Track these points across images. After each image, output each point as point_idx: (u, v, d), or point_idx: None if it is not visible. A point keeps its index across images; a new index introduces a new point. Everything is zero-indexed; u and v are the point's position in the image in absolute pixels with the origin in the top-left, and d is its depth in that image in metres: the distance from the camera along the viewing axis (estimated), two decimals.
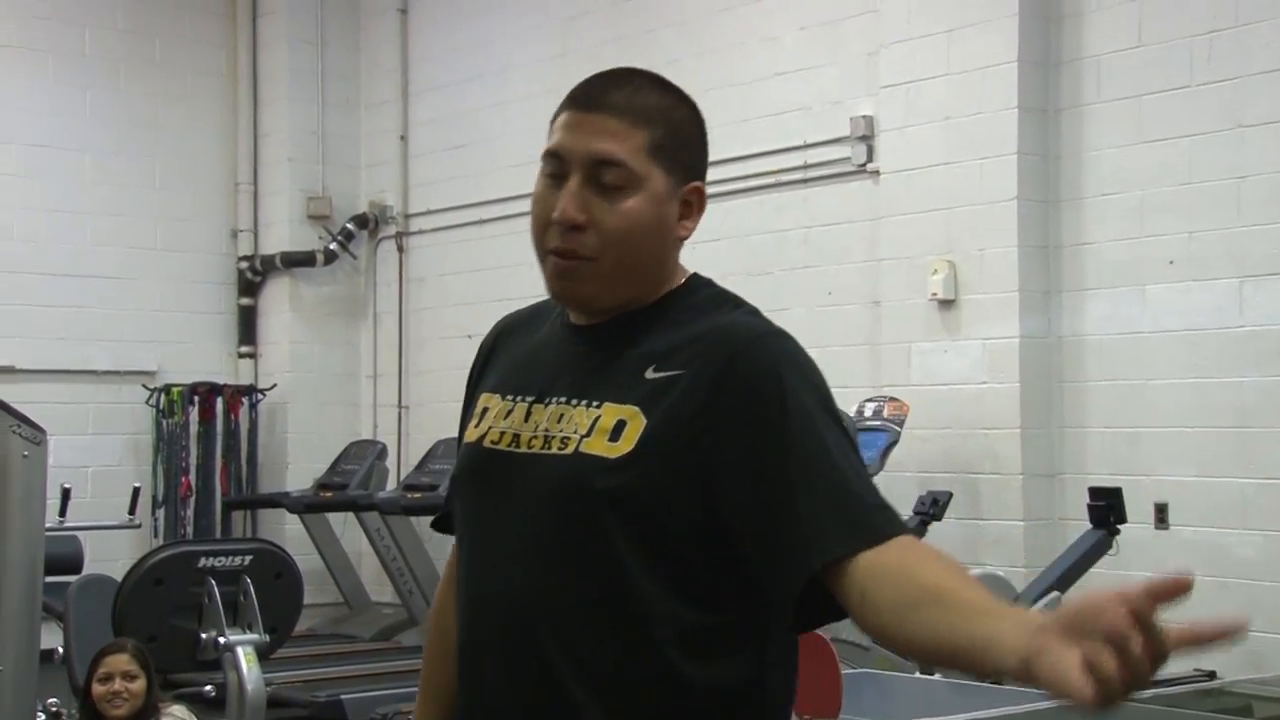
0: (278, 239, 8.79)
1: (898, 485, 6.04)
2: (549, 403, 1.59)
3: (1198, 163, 5.55)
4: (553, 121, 1.61)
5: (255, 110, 8.88)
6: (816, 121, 6.72)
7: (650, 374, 1.53)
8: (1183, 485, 5.56)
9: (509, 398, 1.63)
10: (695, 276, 1.65)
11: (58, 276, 8.16)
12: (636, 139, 1.55)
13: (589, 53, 7.77)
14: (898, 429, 5.88)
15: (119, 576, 4.89)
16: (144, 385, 8.38)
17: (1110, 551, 5.12)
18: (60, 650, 5.09)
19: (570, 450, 1.53)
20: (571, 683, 1.51)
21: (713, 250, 7.17)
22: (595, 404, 1.54)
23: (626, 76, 1.63)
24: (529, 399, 1.61)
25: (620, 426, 1.51)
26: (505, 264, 8.17)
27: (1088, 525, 5.15)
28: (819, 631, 4.11)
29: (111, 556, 7.04)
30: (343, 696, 6.18)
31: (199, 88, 8.78)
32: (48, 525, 5.12)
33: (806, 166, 6.78)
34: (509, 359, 1.70)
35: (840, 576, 1.41)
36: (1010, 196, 5.89)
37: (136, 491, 7.37)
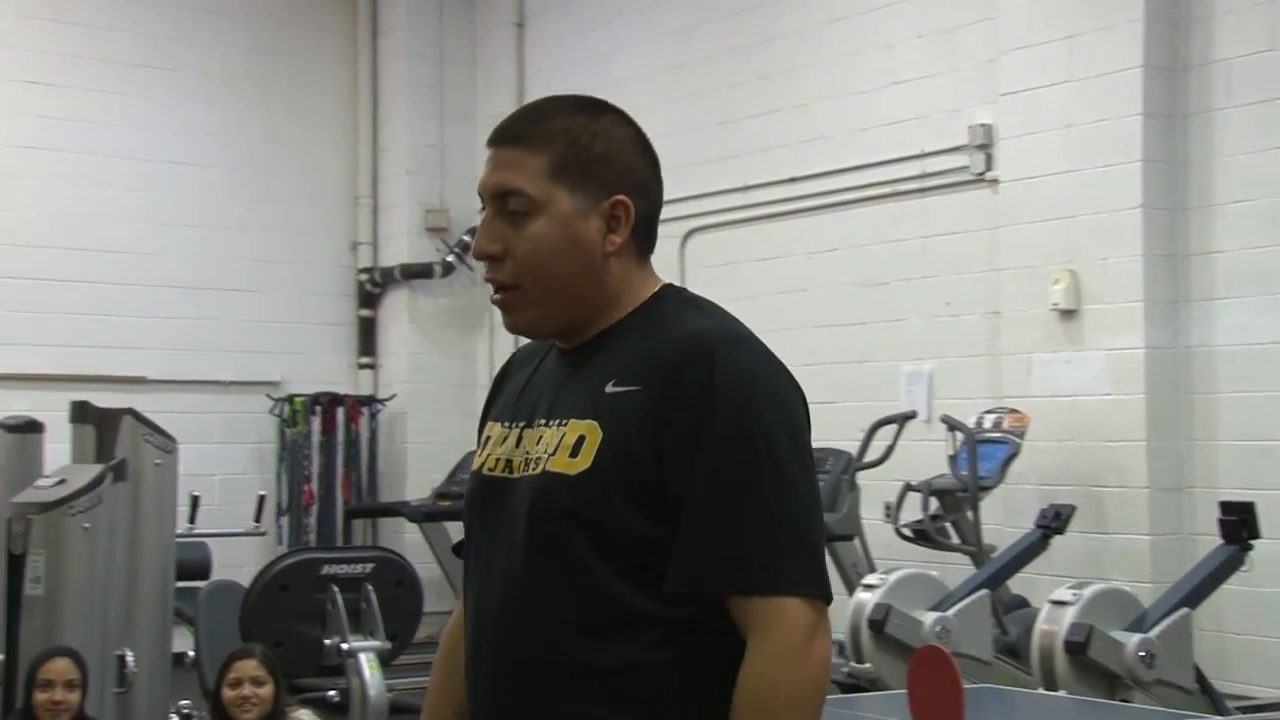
0: (396, 251, 8.93)
1: (1019, 498, 5.95)
2: (535, 426, 1.66)
3: None
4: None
5: (375, 125, 9.04)
6: (934, 130, 6.65)
7: (610, 388, 1.59)
8: None
9: (506, 425, 1.71)
10: (666, 287, 1.69)
11: (186, 289, 8.37)
12: (536, 164, 1.62)
13: (704, 63, 7.79)
14: (1018, 441, 5.78)
15: (245, 582, 5.00)
16: (268, 395, 8.57)
17: (1244, 568, 4.98)
18: (191, 653, 5.22)
19: (539, 470, 1.61)
20: (555, 686, 1.57)
21: (829, 261, 7.14)
22: (563, 422, 1.61)
23: (537, 105, 1.70)
24: (521, 425, 1.68)
25: (580, 442, 1.58)
26: None
27: (1218, 540, 5.01)
28: (939, 645, 4.05)
29: (238, 563, 7.20)
30: None
31: (321, 104, 8.96)
32: (178, 532, 5.26)
33: (924, 176, 6.71)
34: (513, 388, 1.76)
35: (732, 605, 1.52)
36: (1135, 204, 5.77)
37: (261, 499, 7.53)
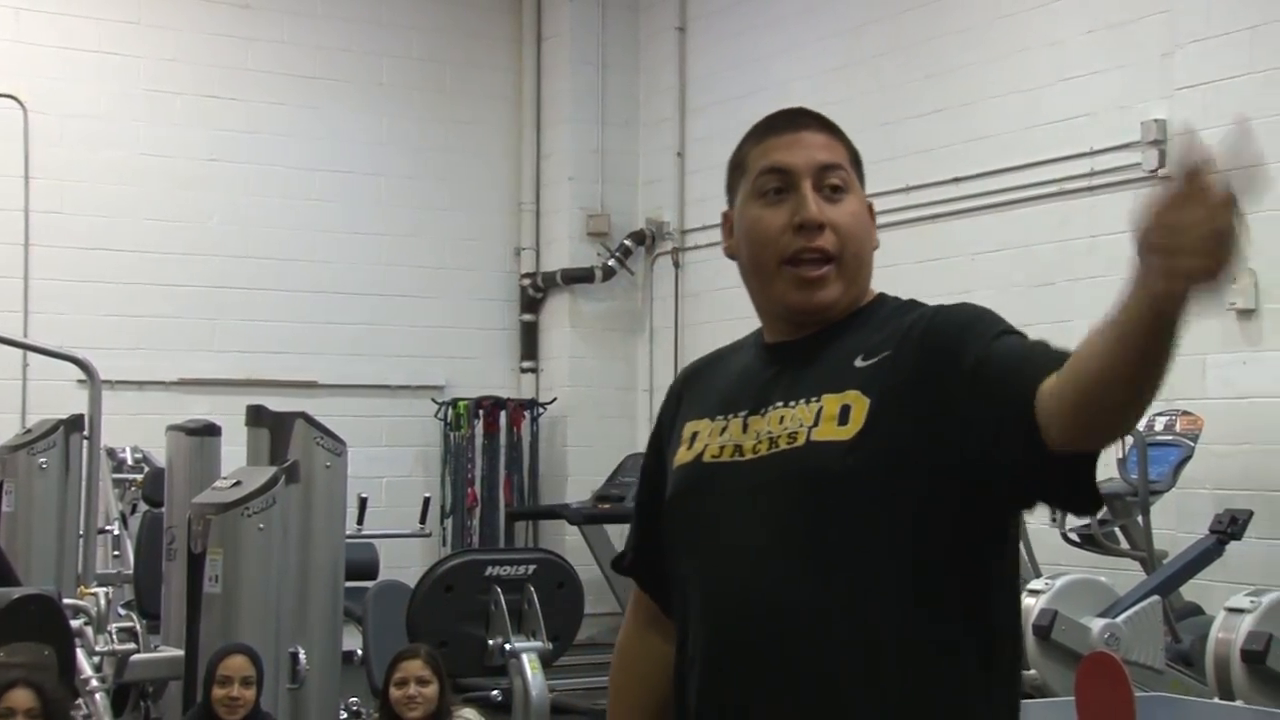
0: (558, 256, 9.03)
1: (1193, 502, 5.75)
2: (765, 412, 1.64)
3: None
4: (744, 157, 1.73)
5: (539, 131, 9.16)
6: (1103, 127, 6.47)
7: (859, 363, 1.61)
8: None
9: (719, 417, 1.68)
10: (883, 294, 1.74)
11: (354, 295, 8.59)
12: (840, 150, 1.72)
13: (870, 63, 7.70)
14: (1191, 444, 5.60)
15: (411, 583, 5.10)
16: (433, 399, 8.74)
17: None
18: (359, 652, 5.34)
19: (801, 442, 1.59)
20: (826, 675, 1.54)
21: (994, 261, 7.00)
22: (814, 398, 1.61)
23: (803, 109, 1.78)
24: (743, 413, 1.66)
25: (846, 410, 1.58)
26: None
27: None
28: (1109, 652, 3.93)
29: (403, 563, 7.35)
30: None
31: (486, 112, 9.11)
32: (347, 532, 5.39)
33: (1092, 174, 6.54)
34: (710, 389, 1.75)
35: (1042, 401, 1.45)
36: None
37: (427, 502, 7.68)
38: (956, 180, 7.13)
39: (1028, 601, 4.86)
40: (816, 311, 1.67)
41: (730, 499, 1.62)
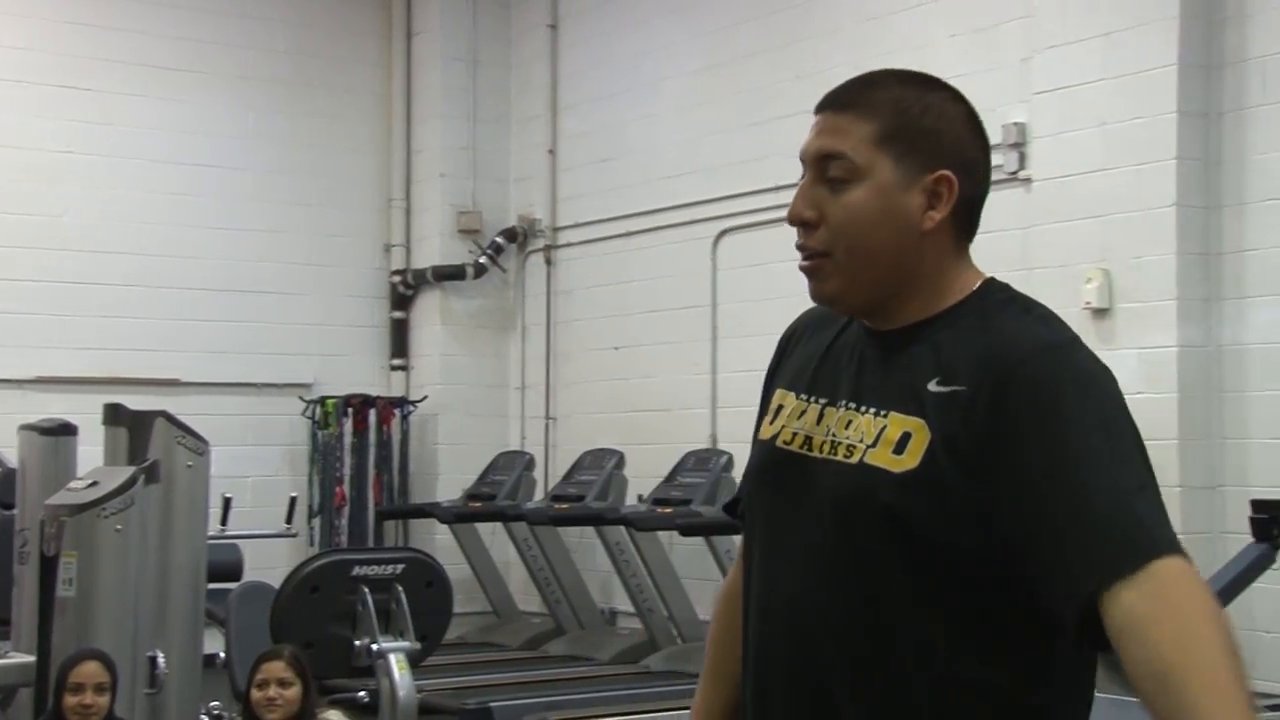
0: (429, 253, 8.96)
1: None
2: (840, 407, 1.59)
3: None
4: None
5: (409, 127, 9.07)
6: None
7: (934, 386, 1.52)
8: None
9: (803, 397, 1.63)
10: (990, 281, 1.61)
11: (220, 292, 8.42)
12: (862, 130, 1.56)
13: (739, 64, 7.77)
14: None
15: (277, 584, 5.02)
16: (300, 397, 8.61)
17: (1275, 565, 4.93)
18: (222, 655, 5.24)
19: (855, 460, 1.53)
20: (842, 697, 1.52)
21: None
22: (882, 413, 1.54)
23: (867, 75, 1.64)
24: (822, 401, 1.61)
25: (905, 439, 1.50)
26: (652, 276, 8.20)
27: (1249, 538, 4.97)
28: None
29: (269, 564, 7.22)
30: (491, 704, 6.25)
31: (355, 107, 9.00)
32: (210, 533, 5.29)
33: None
34: (805, 356, 1.69)
35: (1104, 607, 1.37)
36: (1169, 203, 5.72)
37: (293, 501, 7.57)
38: None
39: None
40: (824, 304, 1.62)
41: (789, 493, 1.59)
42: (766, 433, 1.65)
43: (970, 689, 1.49)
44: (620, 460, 7.68)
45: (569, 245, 8.78)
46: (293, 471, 8.55)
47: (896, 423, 1.52)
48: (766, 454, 1.64)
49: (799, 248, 1.60)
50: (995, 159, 6.48)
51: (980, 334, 1.53)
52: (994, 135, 6.46)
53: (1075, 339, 1.54)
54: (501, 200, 9.07)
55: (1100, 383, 1.49)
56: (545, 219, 8.87)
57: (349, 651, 4.64)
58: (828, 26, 7.32)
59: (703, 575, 7.45)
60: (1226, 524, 5.58)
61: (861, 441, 1.54)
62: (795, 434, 1.61)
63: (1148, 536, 1.40)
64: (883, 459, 1.51)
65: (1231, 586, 4.83)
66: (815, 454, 1.58)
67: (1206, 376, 5.72)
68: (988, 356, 1.50)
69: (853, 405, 1.57)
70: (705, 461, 7.26)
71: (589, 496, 7.49)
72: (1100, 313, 5.87)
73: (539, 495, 8.10)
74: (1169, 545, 1.40)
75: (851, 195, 1.56)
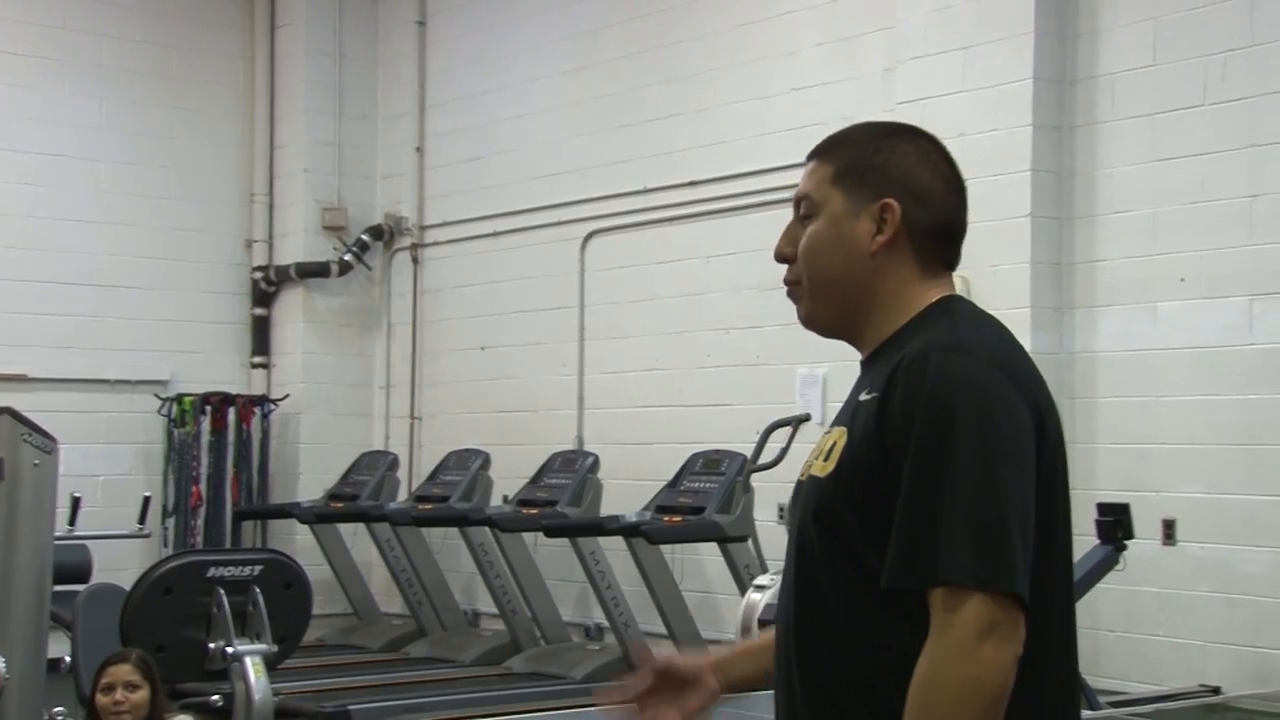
0: (292, 250, 8.82)
1: None
2: (826, 432, 1.76)
3: (1210, 181, 5.54)
4: None
5: (272, 122, 8.92)
6: None
7: (863, 396, 1.67)
8: (1191, 501, 5.53)
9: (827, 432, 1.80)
10: (945, 299, 1.73)
11: (71, 285, 8.19)
12: (824, 171, 1.76)
13: (609, 66, 7.79)
14: None
15: (128, 586, 4.89)
16: (156, 395, 8.41)
17: (1118, 567, 5.10)
18: (68, 659, 5.09)
19: (806, 475, 1.72)
20: (798, 691, 1.66)
21: (727, 264, 7.17)
22: (830, 429, 1.73)
23: (849, 127, 1.82)
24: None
25: (832, 448, 1.67)
26: (520, 276, 8.18)
27: (1095, 541, 5.13)
28: None
29: (121, 566, 7.05)
30: (350, 707, 6.17)
31: (216, 99, 8.82)
32: (57, 534, 5.12)
33: None
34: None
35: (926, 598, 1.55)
36: (1024, 213, 5.88)
37: (147, 501, 7.38)
38: (693, 184, 7.29)
39: (754, 597, 4.99)
40: (805, 327, 1.80)
41: (791, 521, 1.77)
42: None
43: (894, 668, 1.57)
44: (486, 461, 7.64)
45: (436, 244, 8.72)
46: (147, 470, 8.35)
47: (834, 435, 1.69)
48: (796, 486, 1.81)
49: (785, 281, 1.80)
50: None
51: (904, 346, 1.65)
52: None
53: (976, 341, 1.63)
54: (368, 197, 8.97)
55: (972, 391, 1.57)
56: (412, 217, 8.79)
57: (203, 655, 4.53)
58: (698, 31, 7.37)
59: (567, 577, 7.45)
60: (1075, 526, 5.72)
61: (815, 457, 1.71)
62: (807, 464, 1.77)
63: (950, 562, 1.53)
64: (818, 468, 1.68)
65: (1078, 586, 4.98)
66: (803, 477, 1.75)
67: (1058, 383, 5.88)
68: (895, 362, 1.63)
69: (831, 427, 1.74)
70: (571, 463, 7.26)
71: (454, 497, 7.44)
72: None
73: (403, 495, 8.03)
74: (980, 581, 1.52)
75: (811, 228, 1.75)
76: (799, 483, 1.74)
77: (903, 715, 1.53)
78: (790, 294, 1.79)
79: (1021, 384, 1.62)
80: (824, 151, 1.79)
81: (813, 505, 1.66)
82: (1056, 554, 1.66)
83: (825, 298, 1.75)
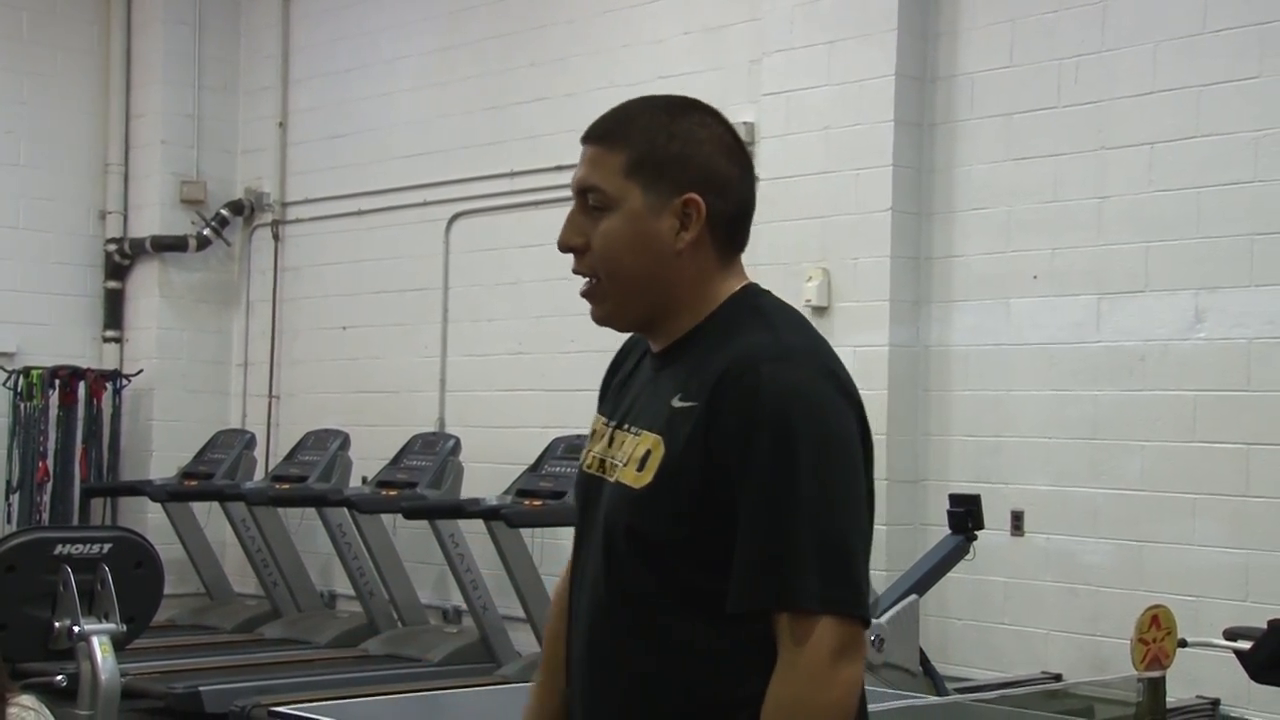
0: (148, 222, 8.61)
1: None
2: (623, 429, 1.69)
3: (1062, 181, 5.72)
4: None
5: (128, 91, 8.69)
6: None
7: (676, 402, 1.61)
8: (1038, 494, 5.72)
9: (606, 422, 1.74)
10: (746, 289, 1.70)
11: None
12: (614, 162, 1.66)
13: (474, 47, 7.75)
14: None
15: None
16: (2, 367, 8.16)
17: (968, 557, 5.25)
18: None
19: (614, 478, 1.65)
20: (615, 702, 1.64)
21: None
22: (638, 432, 1.65)
23: (626, 104, 1.72)
24: (613, 424, 1.71)
25: (646, 456, 1.61)
26: (383, 256, 8.10)
27: (947, 531, 5.27)
28: None
29: None
30: (200, 688, 6.08)
31: (69, 65, 8.56)
32: None
33: None
34: (618, 381, 1.79)
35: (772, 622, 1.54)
36: (885, 207, 6.00)
37: None
38: (559, 168, 7.29)
39: None
40: (601, 324, 1.71)
41: (589, 516, 1.69)
42: (583, 457, 1.76)
43: (701, 664, 1.58)
44: (345, 441, 7.57)
45: (298, 221, 8.59)
46: None
47: (644, 441, 1.62)
48: (579, 479, 1.75)
49: (575, 272, 1.70)
50: None
51: (721, 348, 1.61)
52: None
53: (804, 348, 1.62)
54: (228, 172, 8.80)
55: (812, 404, 1.56)
56: (274, 193, 8.65)
57: (47, 634, 4.43)
58: (565, 16, 7.38)
59: (425, 559, 7.42)
60: (928, 516, 5.91)
61: (620, 460, 1.65)
62: (595, 459, 1.71)
63: (808, 588, 1.52)
64: (629, 476, 1.62)
65: (928, 576, 5.11)
66: (605, 476, 1.68)
67: (913, 375, 6.04)
68: (717, 370, 1.58)
69: (627, 426, 1.67)
70: (432, 445, 7.23)
71: (311, 477, 7.35)
72: (820, 310, 6.12)
73: (259, 475, 7.91)
74: (830, 604, 1.52)
75: (607, 224, 1.65)
76: (592, 476, 1.69)
77: None
78: (586, 293, 1.70)
79: (844, 389, 1.61)
80: (609, 137, 1.67)
81: (624, 519, 1.61)
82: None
83: (628, 299, 1.67)
